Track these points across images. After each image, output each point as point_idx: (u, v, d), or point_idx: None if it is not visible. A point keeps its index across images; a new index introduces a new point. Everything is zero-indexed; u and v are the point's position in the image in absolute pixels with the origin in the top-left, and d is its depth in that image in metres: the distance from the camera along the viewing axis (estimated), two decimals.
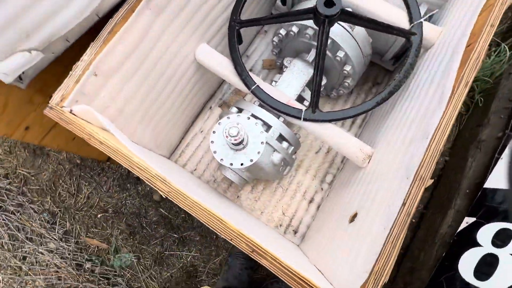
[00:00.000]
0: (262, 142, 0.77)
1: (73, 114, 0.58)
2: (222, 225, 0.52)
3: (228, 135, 0.65)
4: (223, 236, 0.51)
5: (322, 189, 1.14)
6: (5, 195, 1.24)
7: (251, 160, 0.76)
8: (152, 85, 0.83)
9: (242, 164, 0.75)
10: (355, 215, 0.66)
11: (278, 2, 1.29)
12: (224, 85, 1.29)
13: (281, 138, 0.90)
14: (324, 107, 1.24)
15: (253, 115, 0.89)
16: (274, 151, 0.88)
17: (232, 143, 0.72)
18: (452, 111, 0.55)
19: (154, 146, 1.01)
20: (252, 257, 0.50)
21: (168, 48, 0.82)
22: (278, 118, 0.90)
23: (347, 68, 0.96)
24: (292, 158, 0.97)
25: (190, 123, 1.20)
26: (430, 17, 1.06)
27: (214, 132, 0.73)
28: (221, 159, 0.74)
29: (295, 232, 1.09)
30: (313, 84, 0.83)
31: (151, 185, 0.54)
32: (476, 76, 1.27)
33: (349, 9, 0.92)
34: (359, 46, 0.94)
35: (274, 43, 1.09)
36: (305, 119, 0.84)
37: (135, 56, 0.71)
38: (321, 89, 1.07)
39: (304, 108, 0.85)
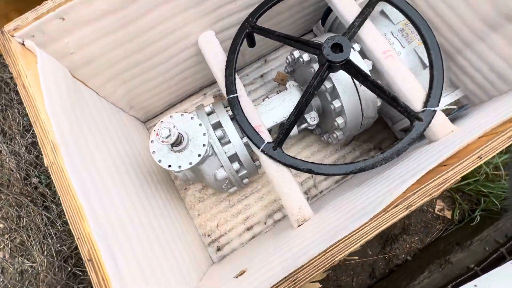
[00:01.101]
0: (204, 145, 0.72)
1: (24, 46, 0.57)
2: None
3: (160, 135, 0.61)
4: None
5: (265, 223, 1.08)
6: None
7: (190, 163, 0.73)
8: (137, 50, 0.81)
9: (180, 167, 0.71)
10: (242, 272, 0.60)
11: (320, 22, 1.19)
12: None
13: (234, 157, 0.84)
14: (309, 147, 1.15)
15: (219, 123, 0.84)
16: (221, 166, 0.83)
17: (170, 144, 0.68)
18: (371, 228, 0.47)
19: (126, 106, 1.00)
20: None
21: (168, 20, 0.78)
22: (242, 138, 0.84)
23: (339, 120, 0.87)
24: (242, 181, 0.91)
25: (177, 100, 1.17)
26: (460, 108, 0.92)
27: (154, 131, 0.70)
28: (159, 160, 0.70)
29: (219, 249, 1.05)
30: (286, 121, 0.76)
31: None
32: (491, 191, 1.11)
33: (365, 63, 0.82)
34: (360, 104, 0.84)
35: (287, 61, 1.02)
36: (262, 151, 0.78)
37: (120, 15, 0.68)
38: (314, 128, 0.99)
39: (267, 141, 0.78)
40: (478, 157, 0.48)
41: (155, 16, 0.74)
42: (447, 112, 0.89)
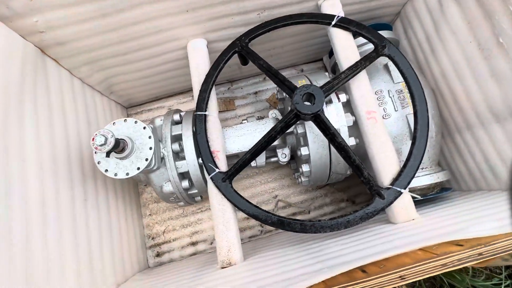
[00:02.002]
0: (146, 159, 0.69)
1: None
2: None
3: (94, 142, 0.58)
4: None
5: (211, 243, 1.04)
6: None
7: (127, 174, 0.70)
8: (119, 42, 0.78)
9: (116, 175, 0.69)
10: None
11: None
12: (222, 87, 1.19)
13: (186, 175, 0.81)
14: (280, 180, 1.09)
15: (180, 136, 0.81)
16: (168, 181, 0.80)
17: (117, 153, 0.66)
18: None
19: (106, 91, 0.99)
20: None
21: (153, 20, 0.75)
22: (198, 158, 0.80)
23: (304, 168, 0.81)
24: (193, 199, 0.88)
25: (164, 95, 1.15)
26: (441, 190, 0.83)
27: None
28: (98, 162, 0.67)
29: (158, 255, 1.03)
30: (241, 158, 0.71)
31: None
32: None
33: (346, 118, 0.75)
34: (330, 159, 0.78)
35: (277, 89, 0.96)
36: (211, 179, 0.74)
37: (97, 6, 0.65)
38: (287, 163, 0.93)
39: (218, 170, 0.74)
40: (400, 276, 0.42)
41: (137, 13, 0.71)
42: (423, 192, 0.80)
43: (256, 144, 0.71)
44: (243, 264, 0.70)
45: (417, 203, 0.73)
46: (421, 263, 0.41)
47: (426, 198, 0.80)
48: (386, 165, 0.70)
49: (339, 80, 0.69)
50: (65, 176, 0.71)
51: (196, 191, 0.84)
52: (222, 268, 0.70)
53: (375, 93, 0.82)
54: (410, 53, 0.96)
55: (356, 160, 0.66)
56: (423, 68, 0.92)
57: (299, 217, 1.08)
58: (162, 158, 0.78)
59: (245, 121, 0.92)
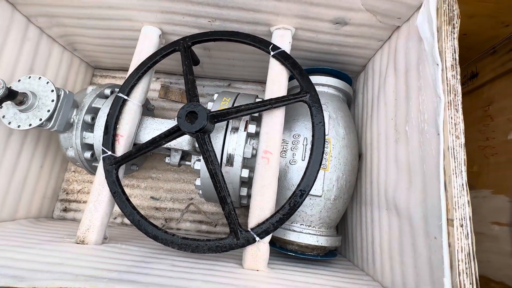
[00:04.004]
0: (48, 110, 0.72)
1: None
2: None
3: None
4: None
5: (115, 218, 1.07)
6: None
7: (30, 125, 0.74)
8: (76, 5, 0.82)
9: (19, 127, 0.73)
10: None
11: None
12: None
13: (90, 147, 0.84)
14: (188, 184, 1.10)
15: (98, 109, 0.83)
16: (72, 147, 0.83)
17: (17, 105, 0.70)
18: None
19: (68, 46, 1.04)
20: None
21: None
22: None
23: (197, 182, 0.81)
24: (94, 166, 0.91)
25: (127, 67, 1.18)
26: (326, 254, 0.79)
27: (1, 107, 0.71)
28: (9, 122, 0.72)
29: (65, 210, 1.08)
30: (130, 151, 0.73)
31: None
32: None
33: (243, 153, 0.73)
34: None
35: None
36: (102, 159, 0.76)
37: None
38: None
39: (110, 153, 0.75)
40: None
41: None
42: (301, 249, 0.77)
43: (147, 141, 0.72)
44: (95, 247, 0.71)
45: (299, 258, 0.72)
46: None
47: (304, 257, 0.77)
48: (257, 208, 0.68)
49: (239, 110, 0.68)
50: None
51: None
52: (77, 243, 0.73)
53: (292, 137, 0.80)
54: (361, 109, 0.92)
55: (222, 192, 0.65)
56: (362, 129, 0.87)
57: (204, 227, 1.08)
58: (72, 124, 0.81)
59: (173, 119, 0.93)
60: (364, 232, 0.79)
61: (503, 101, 0.65)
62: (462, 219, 0.45)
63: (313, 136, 0.69)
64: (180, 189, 1.11)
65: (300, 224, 0.78)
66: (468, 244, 0.44)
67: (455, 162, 0.47)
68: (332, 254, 0.82)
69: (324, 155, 0.77)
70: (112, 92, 0.89)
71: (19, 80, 0.73)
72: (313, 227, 0.78)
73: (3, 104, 0.71)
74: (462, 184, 0.46)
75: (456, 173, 0.47)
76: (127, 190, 1.11)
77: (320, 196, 0.76)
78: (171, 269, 0.61)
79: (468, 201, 0.46)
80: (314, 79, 0.88)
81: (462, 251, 0.44)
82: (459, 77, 0.51)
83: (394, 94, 0.69)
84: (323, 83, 0.87)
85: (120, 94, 0.80)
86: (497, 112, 0.67)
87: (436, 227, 0.48)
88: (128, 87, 0.81)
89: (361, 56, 0.89)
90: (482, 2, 0.74)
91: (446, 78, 0.51)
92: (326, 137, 0.78)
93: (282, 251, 0.79)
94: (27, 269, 0.51)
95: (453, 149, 0.48)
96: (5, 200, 0.88)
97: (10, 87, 0.71)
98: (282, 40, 0.80)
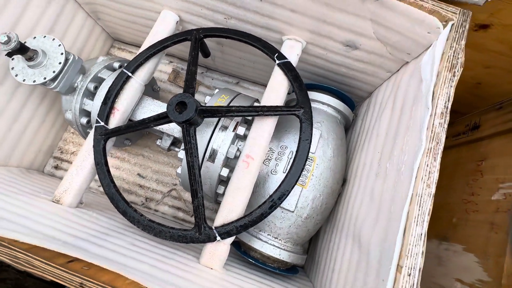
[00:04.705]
0: (53, 71, 0.76)
1: None
2: None
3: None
4: None
5: (100, 186, 1.11)
6: None
7: (34, 81, 0.77)
8: None
9: (24, 81, 0.77)
10: None
11: None
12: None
13: (87, 114, 0.87)
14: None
15: (102, 79, 0.86)
16: (70, 110, 0.86)
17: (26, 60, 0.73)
18: None
19: (93, 14, 1.07)
20: None
21: None
22: None
23: (178, 170, 0.82)
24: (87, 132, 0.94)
25: None
26: (291, 270, 0.79)
27: (12, 59, 0.74)
28: (16, 75, 0.75)
29: (56, 167, 1.12)
30: (122, 126, 0.75)
31: None
32: None
33: (226, 152, 0.74)
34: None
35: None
36: (95, 128, 0.78)
37: None
38: None
39: (103, 124, 0.78)
40: (81, 284, 0.43)
41: None
42: (263, 259, 0.77)
43: (137, 121, 0.74)
44: (67, 209, 0.74)
45: (259, 267, 0.73)
46: None
47: (264, 267, 0.77)
48: (226, 209, 0.69)
49: (229, 110, 0.69)
50: None
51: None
52: (52, 201, 0.76)
53: (280, 147, 0.80)
54: (356, 135, 0.91)
55: (195, 185, 0.66)
56: (352, 156, 0.86)
57: (181, 214, 1.10)
58: (75, 88, 0.84)
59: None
60: (329, 257, 0.78)
61: (496, 159, 0.63)
62: (411, 268, 0.44)
63: (297, 151, 0.69)
64: (167, 172, 1.13)
65: (268, 234, 0.79)
66: None
67: (419, 210, 0.46)
68: (294, 271, 0.82)
69: (305, 173, 0.77)
70: (120, 67, 0.92)
71: (34, 37, 0.76)
72: (279, 240, 0.78)
73: (15, 57, 0.74)
74: (421, 234, 0.45)
75: (417, 221, 0.46)
76: (117, 163, 1.14)
77: (293, 211, 0.75)
78: (129, 247, 0.63)
79: (422, 252, 0.45)
80: (316, 95, 0.87)
81: None
82: (446, 126, 0.50)
83: (386, 128, 0.68)
84: (323, 101, 0.86)
85: (125, 70, 0.82)
86: (488, 169, 0.65)
87: (387, 269, 0.47)
88: (135, 65, 0.83)
89: (368, 83, 0.88)
90: (500, 55, 0.72)
91: (433, 124, 0.50)
92: (312, 155, 0.78)
93: (244, 256, 0.79)
94: None
95: (421, 196, 0.47)
96: (1, 145, 0.93)
97: (25, 42, 0.75)
98: (291, 51, 0.80)
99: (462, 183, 0.73)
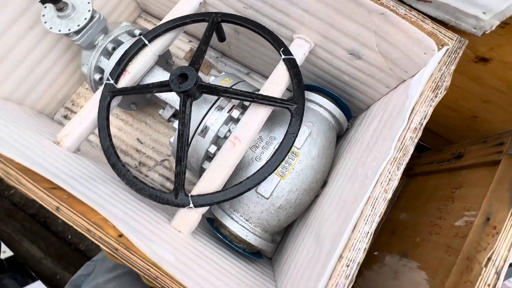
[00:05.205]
0: (78, 25, 0.82)
1: None
2: None
3: None
4: None
5: None
6: None
7: (60, 31, 0.84)
8: None
9: (51, 28, 0.83)
10: None
11: None
12: (213, 52, 1.28)
13: (101, 71, 0.93)
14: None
15: (121, 42, 0.92)
16: (87, 65, 0.93)
17: (57, 10, 0.80)
18: None
19: None
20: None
21: None
22: None
23: (171, 139, 0.88)
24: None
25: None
26: (256, 254, 0.83)
27: (45, 7, 0.81)
28: (45, 22, 0.82)
29: (65, 117, 1.20)
30: (131, 87, 0.81)
31: None
32: None
33: (217, 130, 0.79)
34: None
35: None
36: (105, 84, 0.84)
37: None
38: None
39: (113, 82, 0.84)
40: (57, 208, 0.48)
41: None
42: (231, 237, 0.81)
43: (142, 84, 0.79)
44: (64, 151, 0.80)
45: (226, 244, 0.77)
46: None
47: (230, 245, 0.82)
48: (205, 181, 0.73)
49: (226, 91, 0.73)
50: None
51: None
52: (53, 142, 0.82)
53: (269, 137, 0.84)
54: (346, 143, 0.94)
55: (180, 152, 0.71)
56: (337, 161, 0.89)
57: (168, 185, 1.16)
58: (95, 46, 0.91)
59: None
60: (293, 248, 0.82)
61: (469, 189, 0.65)
62: (351, 260, 0.48)
63: (281, 142, 0.73)
64: (164, 143, 1.19)
65: (240, 215, 0.83)
66: (345, 285, 0.47)
67: (371, 211, 0.49)
68: (259, 256, 0.86)
69: (287, 165, 0.81)
70: (140, 34, 0.97)
71: None
72: (250, 222, 0.82)
73: (47, 5, 0.81)
74: (367, 233, 0.48)
75: (367, 221, 0.49)
76: (120, 124, 1.21)
77: (267, 198, 0.79)
78: (109, 194, 0.69)
79: (365, 249, 0.48)
80: (314, 97, 0.91)
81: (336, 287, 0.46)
82: (416, 141, 0.52)
83: (370, 137, 0.71)
84: (321, 104, 0.90)
85: (143, 38, 0.88)
86: (459, 197, 0.66)
87: (331, 258, 0.51)
88: (152, 35, 0.89)
89: (368, 95, 0.91)
90: (498, 91, 0.73)
91: (404, 137, 0.53)
92: (297, 150, 0.81)
93: (214, 231, 0.84)
94: None
95: (376, 199, 0.50)
96: (21, 85, 1.01)
97: None
98: (299, 49, 0.84)
99: (434, 207, 0.75)
